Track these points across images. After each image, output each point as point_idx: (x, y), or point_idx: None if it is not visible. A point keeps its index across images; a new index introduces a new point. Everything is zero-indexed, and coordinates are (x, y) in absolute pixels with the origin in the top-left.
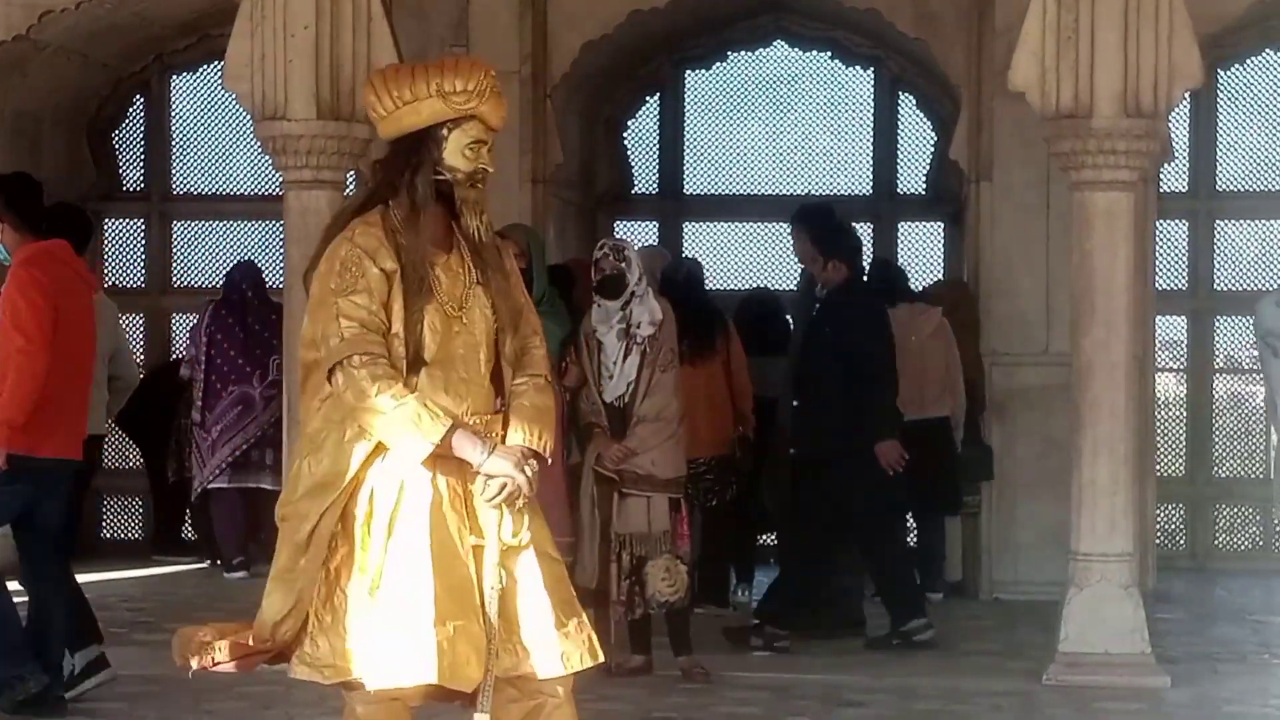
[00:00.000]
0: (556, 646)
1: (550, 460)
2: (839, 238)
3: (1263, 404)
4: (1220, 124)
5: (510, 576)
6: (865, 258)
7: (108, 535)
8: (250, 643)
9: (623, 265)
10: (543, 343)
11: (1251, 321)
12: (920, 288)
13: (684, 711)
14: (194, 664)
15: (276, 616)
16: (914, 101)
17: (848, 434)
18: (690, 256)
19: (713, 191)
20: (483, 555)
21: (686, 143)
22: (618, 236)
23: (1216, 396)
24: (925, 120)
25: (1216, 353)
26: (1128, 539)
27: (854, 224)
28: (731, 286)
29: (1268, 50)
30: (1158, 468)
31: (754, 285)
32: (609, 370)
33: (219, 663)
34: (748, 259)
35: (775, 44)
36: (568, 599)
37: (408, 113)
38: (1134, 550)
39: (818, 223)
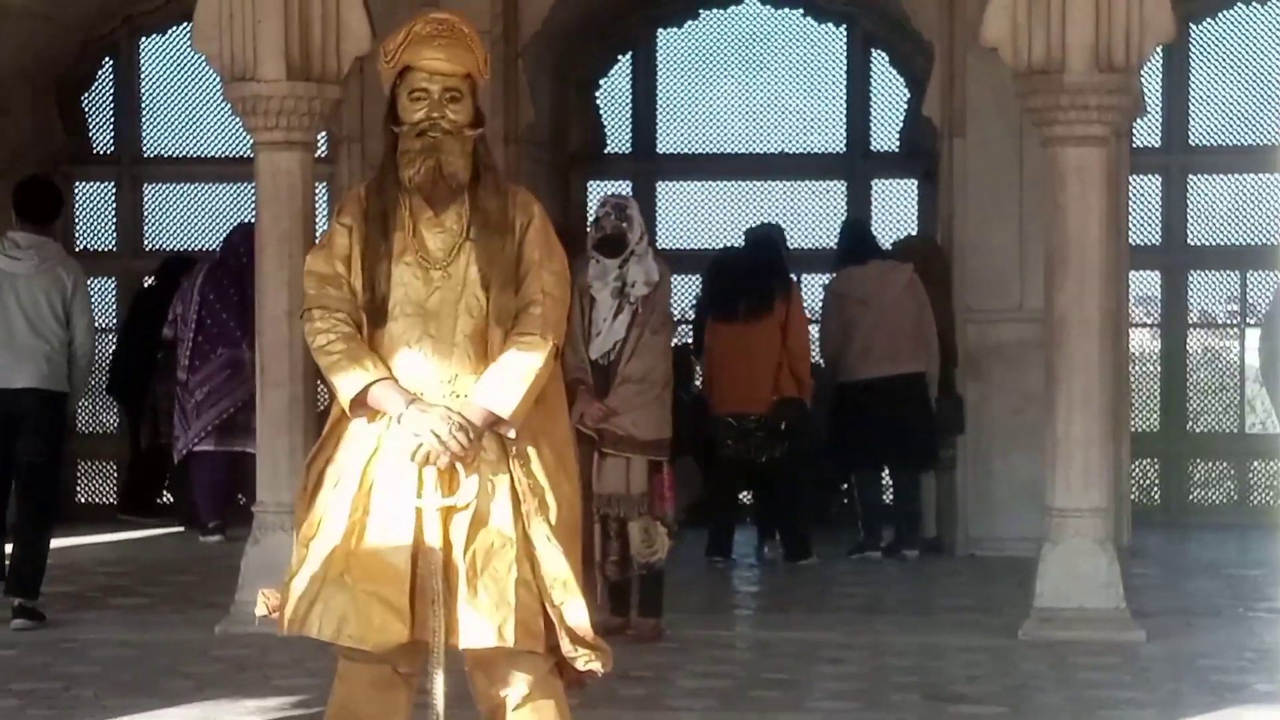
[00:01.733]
0: (484, 619)
1: (506, 419)
2: None
3: (1236, 359)
4: (1193, 78)
5: (448, 547)
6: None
7: (82, 500)
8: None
9: (623, 225)
10: (553, 304)
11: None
12: (891, 245)
13: (661, 671)
14: (258, 612)
15: (290, 570)
16: (886, 59)
17: None
18: (772, 221)
19: (686, 150)
20: (426, 518)
21: (659, 102)
22: (621, 194)
23: (1191, 351)
24: (898, 77)
25: (1191, 308)
26: (1102, 494)
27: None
28: (705, 245)
29: (1239, 4)
30: (1132, 423)
31: (724, 246)
32: (598, 327)
33: (273, 610)
34: (721, 217)
35: (747, 1)
36: (523, 583)
37: (383, 80)
38: (1108, 505)
39: None
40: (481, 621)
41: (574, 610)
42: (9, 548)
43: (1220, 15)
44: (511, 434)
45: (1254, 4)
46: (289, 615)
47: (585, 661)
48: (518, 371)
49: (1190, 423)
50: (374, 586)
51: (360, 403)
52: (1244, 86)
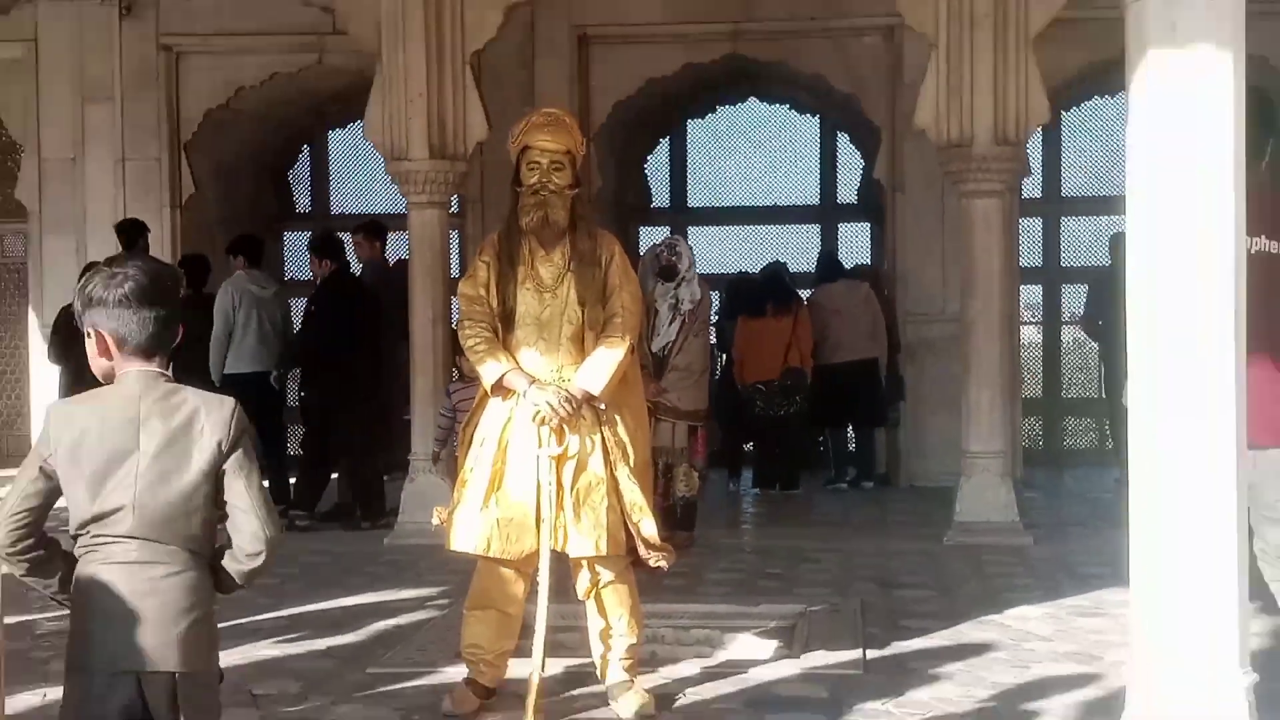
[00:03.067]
0: (583, 535)
1: (598, 395)
2: None
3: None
4: (1064, 149)
5: (560, 486)
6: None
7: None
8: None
9: (674, 259)
10: (630, 315)
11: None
12: (851, 269)
13: (694, 569)
14: (434, 521)
15: (451, 503)
16: (847, 138)
17: None
18: (779, 260)
19: (707, 205)
20: (545, 465)
21: (689, 171)
22: (675, 237)
23: (1064, 342)
24: (855, 151)
25: (1063, 311)
26: (1002, 441)
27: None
28: (722, 271)
29: (1096, 97)
30: (1023, 391)
31: (738, 270)
32: (658, 330)
33: (442, 520)
34: (733, 251)
35: (749, 101)
36: (610, 507)
37: (511, 154)
38: (1007, 449)
39: None
40: (584, 538)
41: (647, 526)
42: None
43: (1083, 105)
44: (601, 406)
45: (1105, 97)
46: (452, 537)
47: (655, 560)
48: (606, 362)
49: (1063, 390)
50: (509, 514)
51: (498, 386)
52: (1099, 154)
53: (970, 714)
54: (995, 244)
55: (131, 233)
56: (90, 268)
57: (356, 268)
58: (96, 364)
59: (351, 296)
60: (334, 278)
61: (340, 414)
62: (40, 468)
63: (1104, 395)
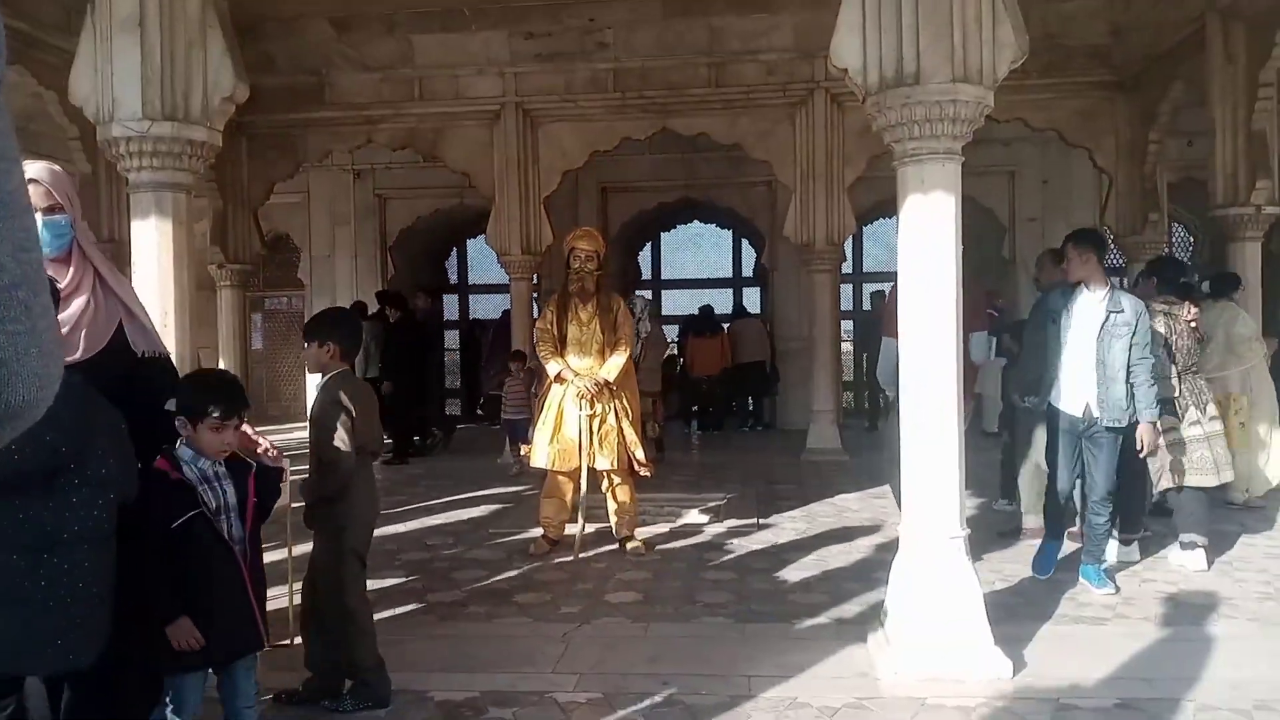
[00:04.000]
0: (604, 457)
1: (612, 381)
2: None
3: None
4: (865, 246)
5: (592, 431)
6: (730, 302)
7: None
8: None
9: (633, 306)
10: (627, 339)
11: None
12: (750, 311)
13: (662, 474)
14: (521, 453)
15: (532, 443)
16: (747, 242)
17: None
18: (709, 304)
19: (673, 278)
20: (584, 419)
21: (662, 259)
22: (635, 297)
23: (869, 351)
24: (752, 248)
25: (870, 338)
26: (831, 403)
27: (722, 290)
28: (682, 312)
29: (881, 219)
30: (842, 376)
31: (689, 312)
32: (635, 346)
33: (525, 453)
34: (686, 301)
35: (694, 222)
36: (619, 441)
37: (564, 253)
38: (833, 408)
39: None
40: (605, 459)
41: (639, 453)
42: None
43: (875, 222)
44: (614, 387)
45: (887, 218)
46: (533, 458)
47: (644, 471)
48: (616, 363)
49: (866, 376)
50: (563, 446)
51: (558, 377)
52: (883, 249)
53: (809, 538)
54: (827, 298)
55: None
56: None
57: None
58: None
59: (415, 332)
60: (403, 320)
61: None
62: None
63: (865, 378)
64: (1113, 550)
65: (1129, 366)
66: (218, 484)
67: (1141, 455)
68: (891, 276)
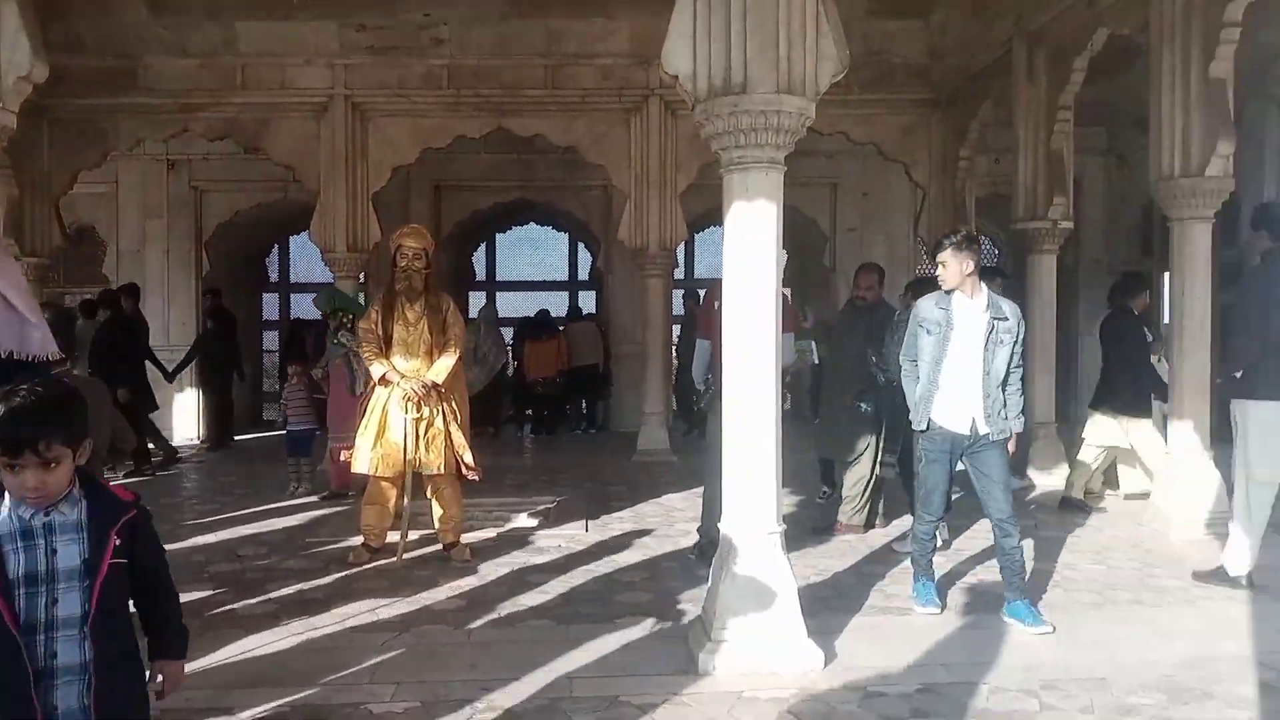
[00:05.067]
0: (432, 462)
1: (440, 383)
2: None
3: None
4: (696, 253)
5: (418, 434)
6: (567, 305)
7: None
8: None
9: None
10: (458, 340)
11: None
12: (585, 314)
13: (496, 476)
14: (342, 457)
15: (355, 446)
16: (582, 245)
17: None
18: (545, 308)
19: (508, 279)
20: (410, 422)
21: (497, 260)
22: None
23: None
24: (588, 251)
25: (697, 343)
26: (662, 406)
27: (560, 292)
28: (517, 315)
29: (711, 226)
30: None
31: (524, 316)
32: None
33: (348, 455)
34: (521, 304)
35: (529, 224)
36: (447, 445)
37: (391, 250)
38: (663, 410)
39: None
40: (431, 463)
41: (468, 456)
42: None
43: (704, 230)
44: (443, 389)
45: (715, 226)
46: (355, 463)
47: (471, 476)
48: (444, 365)
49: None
50: (387, 450)
51: (382, 379)
52: (713, 254)
53: (636, 539)
54: (660, 302)
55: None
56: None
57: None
58: None
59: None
60: (112, 320)
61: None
62: None
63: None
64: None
65: (1007, 374)
66: (44, 540)
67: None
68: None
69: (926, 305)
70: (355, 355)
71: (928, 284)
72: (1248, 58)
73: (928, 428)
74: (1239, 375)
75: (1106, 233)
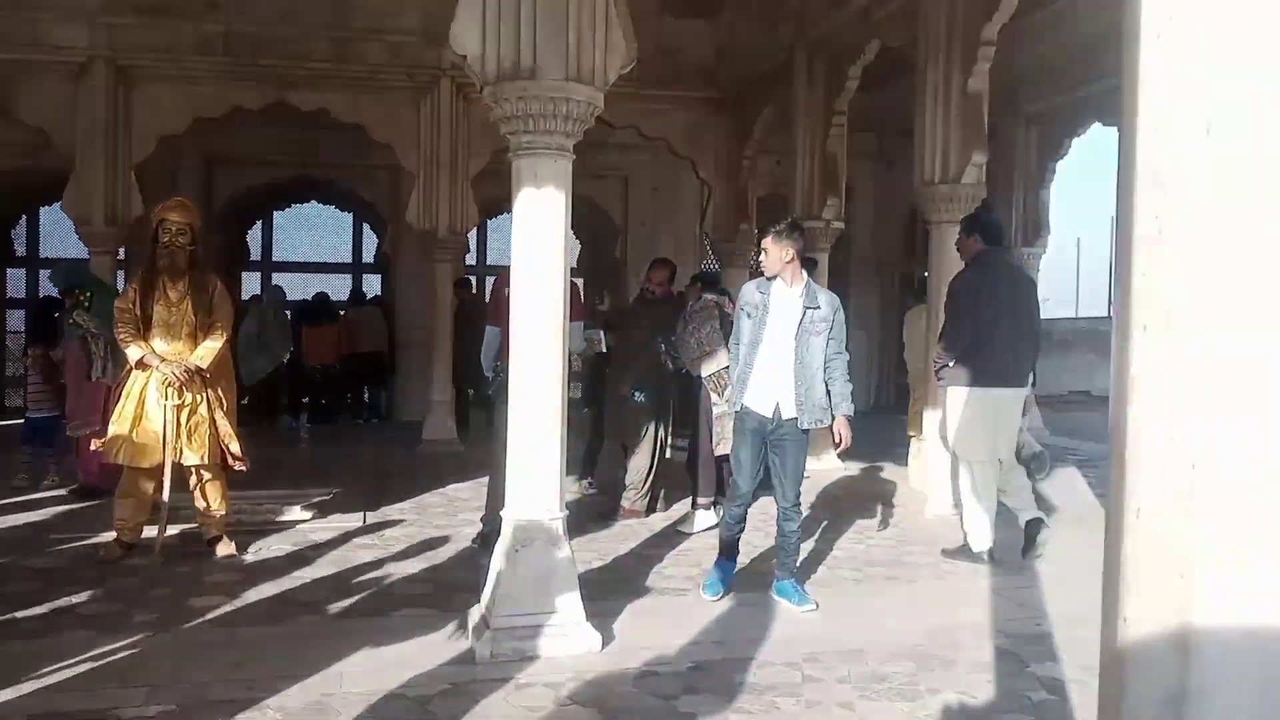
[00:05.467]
0: (193, 452)
1: (205, 368)
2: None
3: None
4: (489, 238)
5: (179, 422)
6: (349, 288)
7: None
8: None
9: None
10: (225, 322)
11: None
12: (369, 299)
13: (267, 468)
14: (97, 446)
15: (110, 435)
16: (368, 226)
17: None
18: (323, 291)
19: (285, 259)
20: (169, 409)
21: (275, 239)
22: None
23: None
24: (373, 234)
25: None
26: (447, 395)
27: (343, 275)
28: (296, 299)
29: (504, 213)
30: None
31: (302, 298)
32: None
33: (104, 447)
34: (300, 286)
35: (312, 202)
36: (211, 434)
37: (152, 224)
38: (449, 399)
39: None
40: (194, 453)
41: (234, 447)
42: None
43: (497, 216)
44: (208, 374)
45: (506, 213)
46: (111, 453)
47: (238, 466)
48: (210, 348)
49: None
50: (144, 440)
51: (140, 363)
52: (504, 239)
53: (417, 529)
54: (448, 288)
55: None
56: None
57: None
58: None
59: None
60: None
61: None
62: None
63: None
64: (702, 520)
65: (826, 364)
66: None
67: (837, 450)
68: None
69: (749, 289)
70: (93, 336)
71: (712, 278)
72: (1004, 78)
73: (740, 409)
74: (951, 365)
75: (875, 233)
